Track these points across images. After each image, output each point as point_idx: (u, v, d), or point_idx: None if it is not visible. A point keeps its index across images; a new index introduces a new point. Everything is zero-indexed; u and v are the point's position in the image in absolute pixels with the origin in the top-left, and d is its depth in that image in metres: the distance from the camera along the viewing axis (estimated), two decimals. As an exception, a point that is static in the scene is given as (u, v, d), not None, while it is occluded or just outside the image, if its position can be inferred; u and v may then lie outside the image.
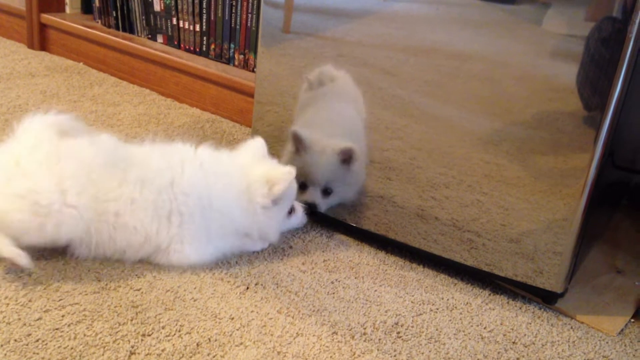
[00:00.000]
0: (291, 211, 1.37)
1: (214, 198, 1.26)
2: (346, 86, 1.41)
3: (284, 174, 1.30)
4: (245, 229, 1.31)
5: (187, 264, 1.24)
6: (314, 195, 1.43)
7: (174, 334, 1.05)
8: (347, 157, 1.39)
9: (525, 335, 1.18)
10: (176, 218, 1.23)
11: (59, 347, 0.99)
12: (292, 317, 1.14)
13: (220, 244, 1.29)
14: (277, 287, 1.22)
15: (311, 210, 1.43)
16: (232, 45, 2.13)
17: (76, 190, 1.16)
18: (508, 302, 1.28)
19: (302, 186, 1.43)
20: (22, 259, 1.12)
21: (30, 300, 1.09)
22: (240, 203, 1.28)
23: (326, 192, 1.44)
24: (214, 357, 1.02)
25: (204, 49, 2.21)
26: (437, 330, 1.16)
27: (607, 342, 1.19)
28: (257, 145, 1.38)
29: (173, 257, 1.24)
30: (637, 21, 1.05)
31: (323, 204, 1.44)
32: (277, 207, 1.32)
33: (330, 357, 1.05)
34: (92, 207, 1.17)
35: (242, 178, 1.30)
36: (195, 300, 1.15)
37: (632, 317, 1.28)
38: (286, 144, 1.48)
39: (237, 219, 1.29)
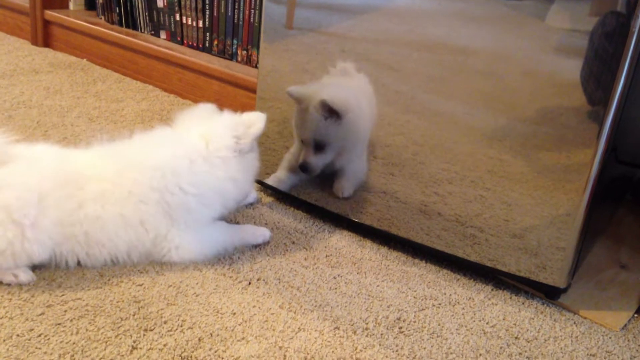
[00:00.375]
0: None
1: (172, 187, 1.20)
2: (364, 84, 1.40)
3: (259, 115, 1.30)
4: (220, 189, 1.26)
5: (187, 260, 1.23)
6: (305, 154, 1.42)
7: (176, 329, 1.06)
8: (329, 110, 1.35)
9: (527, 330, 1.18)
10: (150, 225, 1.19)
11: (61, 342, 0.99)
12: (294, 312, 1.14)
13: (210, 231, 1.27)
14: (279, 282, 1.22)
15: (304, 170, 1.43)
16: (234, 41, 2.13)
17: (29, 221, 1.08)
18: (511, 298, 1.27)
19: (302, 143, 1.44)
20: (23, 275, 1.12)
21: (32, 296, 1.09)
22: (196, 167, 1.23)
23: (318, 148, 1.41)
24: (215, 352, 1.02)
25: (207, 45, 2.21)
26: (439, 325, 1.16)
27: (610, 338, 1.19)
28: (204, 107, 1.38)
29: (169, 257, 1.22)
30: (641, 15, 1.04)
31: (314, 162, 1.41)
32: (251, 154, 1.30)
33: (332, 352, 1.05)
34: (55, 232, 1.12)
35: (192, 140, 1.26)
36: (197, 296, 1.15)
37: (636, 312, 1.27)
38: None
39: (207, 191, 1.24)
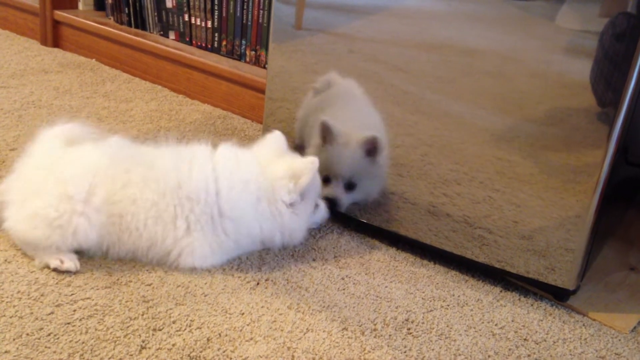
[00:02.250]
0: (315, 206, 1.32)
1: (226, 206, 1.21)
2: (353, 89, 1.40)
3: (308, 164, 1.25)
4: (266, 235, 1.27)
5: (198, 269, 1.22)
6: (336, 190, 1.38)
7: (185, 329, 1.06)
8: (371, 148, 1.35)
9: (536, 332, 1.17)
10: (182, 223, 1.19)
11: (70, 341, 1.00)
12: (303, 313, 1.14)
13: (234, 252, 1.27)
14: (288, 282, 1.22)
15: (332, 206, 1.37)
16: (243, 42, 2.13)
17: (82, 196, 1.15)
18: (519, 299, 1.27)
19: (326, 180, 1.39)
20: (70, 262, 1.16)
21: (42, 295, 1.10)
22: (261, 208, 1.24)
23: (350, 186, 1.39)
24: (224, 352, 1.02)
25: (216, 45, 2.21)
26: (447, 326, 1.16)
27: (619, 340, 1.18)
28: (275, 139, 1.32)
29: (182, 263, 1.21)
30: (652, 16, 1.04)
31: (345, 199, 1.39)
32: (304, 202, 1.27)
33: (341, 352, 1.05)
34: (101, 211, 1.17)
35: (262, 179, 1.24)
36: (205, 296, 1.15)
37: (646, 315, 1.27)
38: (312, 137, 1.44)
39: (255, 226, 1.25)
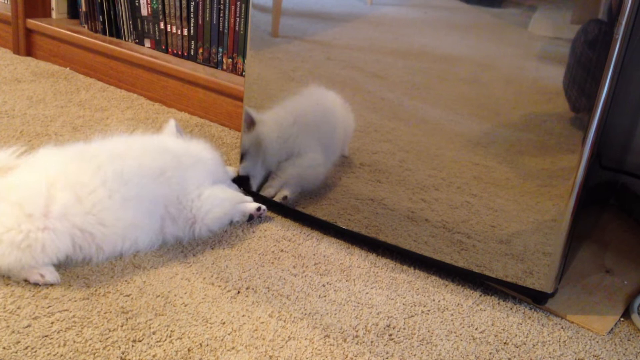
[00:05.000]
0: None
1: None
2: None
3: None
4: None
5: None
6: None
7: (165, 340, 1.05)
8: (247, 121, 1.48)
9: (516, 335, 1.19)
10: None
11: (48, 354, 0.98)
12: (284, 321, 1.14)
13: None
14: (268, 290, 1.22)
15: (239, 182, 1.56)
16: (220, 49, 2.13)
17: (40, 211, 1.14)
18: (499, 303, 1.28)
19: None
20: (50, 275, 1.15)
21: (18, 307, 1.08)
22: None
23: (242, 158, 1.55)
24: (205, 362, 1.01)
25: (192, 53, 2.20)
26: (428, 331, 1.16)
27: (597, 342, 1.20)
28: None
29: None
30: (624, 23, 1.06)
31: (242, 170, 1.56)
32: None
33: (323, 360, 1.05)
34: (73, 213, 1.17)
35: None
36: (185, 305, 1.14)
37: (622, 317, 1.29)
38: None
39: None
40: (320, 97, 1.45)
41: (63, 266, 1.20)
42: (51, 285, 1.14)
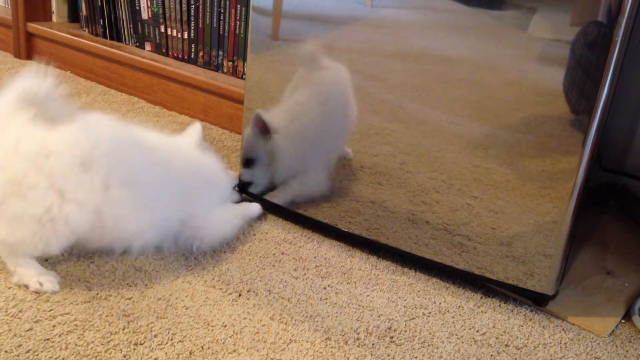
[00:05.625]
0: None
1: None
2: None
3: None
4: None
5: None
6: (240, 170, 1.53)
7: (167, 343, 1.05)
8: (261, 126, 1.44)
9: (517, 337, 1.19)
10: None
11: (50, 357, 0.98)
12: (285, 324, 1.14)
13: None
14: (270, 293, 1.22)
15: (240, 187, 1.53)
16: (220, 53, 2.13)
17: (72, 186, 1.10)
18: (500, 305, 1.28)
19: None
20: (49, 285, 1.14)
21: (20, 311, 1.08)
22: None
23: (247, 163, 1.50)
24: (207, 365, 1.01)
25: (192, 56, 2.21)
26: (430, 334, 1.16)
27: (598, 344, 1.20)
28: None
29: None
30: (623, 25, 1.06)
31: (245, 175, 1.52)
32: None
33: (324, 363, 1.05)
34: (93, 197, 1.14)
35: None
36: (187, 308, 1.14)
37: (623, 318, 1.29)
38: None
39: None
40: (333, 110, 1.45)
41: (64, 269, 1.20)
42: (50, 292, 1.14)
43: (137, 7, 2.29)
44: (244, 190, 1.55)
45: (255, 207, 1.49)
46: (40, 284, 1.13)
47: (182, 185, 1.31)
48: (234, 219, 1.41)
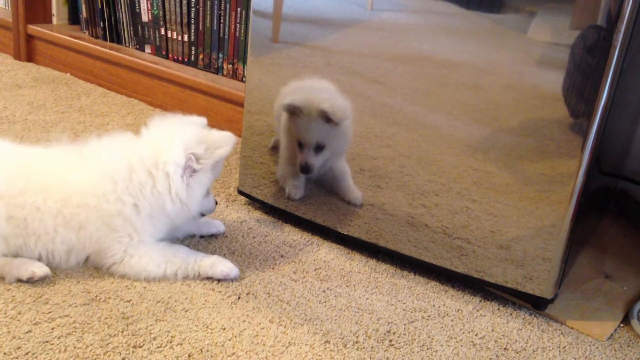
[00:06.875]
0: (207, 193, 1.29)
1: (110, 194, 1.18)
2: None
3: (227, 136, 1.24)
4: (161, 214, 1.22)
5: (132, 276, 1.21)
6: (307, 155, 1.48)
7: (166, 345, 1.05)
8: (327, 117, 1.43)
9: (516, 341, 1.19)
10: (89, 231, 1.18)
11: (49, 359, 0.99)
12: (284, 327, 1.14)
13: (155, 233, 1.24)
14: (269, 296, 1.22)
15: (305, 171, 1.47)
16: (220, 55, 2.13)
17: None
18: (499, 309, 1.28)
19: (300, 145, 1.47)
20: (39, 270, 1.15)
21: (19, 313, 1.08)
22: (140, 179, 1.19)
23: (318, 149, 1.47)
24: (206, 367, 1.01)
25: (193, 58, 2.21)
26: (429, 337, 1.16)
27: (597, 347, 1.20)
28: (184, 119, 1.32)
29: (114, 269, 1.21)
30: (622, 29, 1.07)
31: (315, 162, 1.48)
32: (204, 176, 1.23)
33: (323, 366, 1.05)
34: (4, 222, 1.14)
35: (139, 151, 1.22)
36: (186, 311, 1.14)
37: (622, 322, 1.29)
38: (280, 116, 1.51)
39: (145, 204, 1.19)
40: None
41: (64, 272, 1.20)
42: (47, 278, 1.16)
43: (137, 10, 2.30)
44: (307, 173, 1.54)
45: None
46: (33, 272, 1.15)
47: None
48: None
